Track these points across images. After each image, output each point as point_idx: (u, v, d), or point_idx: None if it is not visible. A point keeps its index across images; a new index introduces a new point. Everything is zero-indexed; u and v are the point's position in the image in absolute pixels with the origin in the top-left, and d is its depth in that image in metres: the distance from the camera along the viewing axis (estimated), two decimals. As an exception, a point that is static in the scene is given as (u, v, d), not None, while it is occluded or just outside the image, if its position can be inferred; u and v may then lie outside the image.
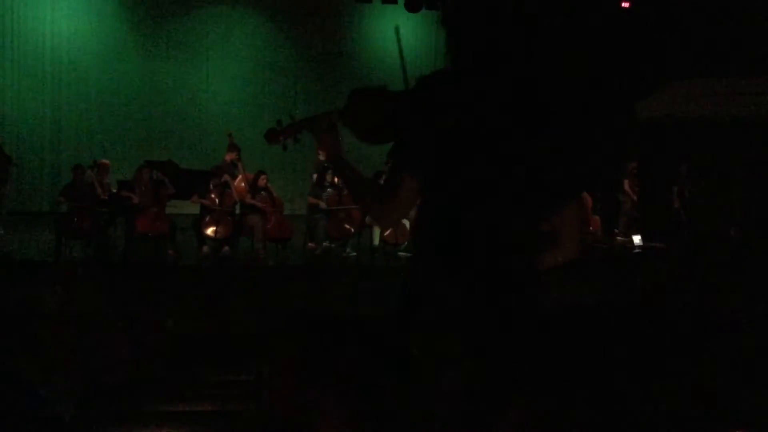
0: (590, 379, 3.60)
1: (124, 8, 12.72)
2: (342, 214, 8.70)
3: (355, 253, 8.52)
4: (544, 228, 1.75)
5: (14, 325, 4.13)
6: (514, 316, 1.65)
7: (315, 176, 9.07)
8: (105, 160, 9.04)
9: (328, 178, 8.84)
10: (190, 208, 8.68)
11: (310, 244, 8.78)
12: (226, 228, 8.16)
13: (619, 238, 10.40)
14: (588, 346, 3.81)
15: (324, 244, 8.72)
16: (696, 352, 4.19)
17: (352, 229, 8.65)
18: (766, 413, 3.52)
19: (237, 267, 8.07)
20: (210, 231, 8.12)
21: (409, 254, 8.46)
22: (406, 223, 8.25)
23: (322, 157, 8.19)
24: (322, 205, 8.73)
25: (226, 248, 8.28)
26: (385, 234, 8.55)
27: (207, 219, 8.16)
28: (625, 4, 10.46)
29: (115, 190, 8.66)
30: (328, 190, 8.83)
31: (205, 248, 8.16)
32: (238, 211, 8.69)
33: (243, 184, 8.68)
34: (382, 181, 1.84)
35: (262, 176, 8.71)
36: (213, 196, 8.27)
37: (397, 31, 2.25)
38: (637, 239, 10.15)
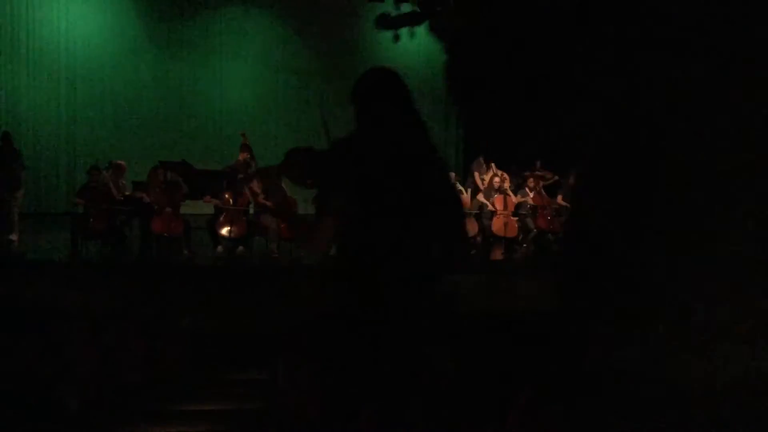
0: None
1: (138, 10, 12.78)
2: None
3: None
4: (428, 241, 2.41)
5: (31, 325, 4.16)
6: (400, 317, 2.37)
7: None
8: (121, 161, 9.08)
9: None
10: (205, 208, 8.71)
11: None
12: (241, 228, 8.18)
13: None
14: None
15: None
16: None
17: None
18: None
19: (252, 266, 8.09)
20: (224, 231, 8.13)
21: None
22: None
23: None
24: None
25: (241, 248, 8.30)
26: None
27: (221, 219, 8.17)
28: None
29: (128, 193, 8.68)
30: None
31: (220, 248, 8.18)
32: (252, 211, 8.70)
33: (257, 184, 8.68)
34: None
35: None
36: (227, 196, 8.30)
37: (321, 111, 2.81)
38: None
